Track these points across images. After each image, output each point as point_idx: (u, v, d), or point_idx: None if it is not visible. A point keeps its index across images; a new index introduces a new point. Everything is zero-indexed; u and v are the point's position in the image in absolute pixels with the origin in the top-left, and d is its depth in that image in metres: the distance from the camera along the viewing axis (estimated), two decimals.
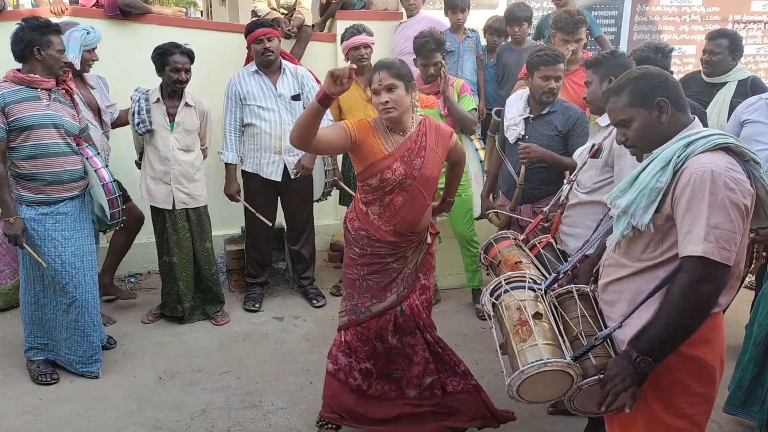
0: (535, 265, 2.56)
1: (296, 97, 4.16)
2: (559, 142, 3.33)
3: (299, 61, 4.68)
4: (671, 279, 1.79)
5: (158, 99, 3.86)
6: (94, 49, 3.94)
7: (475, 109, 4.13)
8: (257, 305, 4.35)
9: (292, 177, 4.19)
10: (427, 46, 3.87)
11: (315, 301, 4.43)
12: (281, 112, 4.14)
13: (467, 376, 2.94)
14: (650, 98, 1.88)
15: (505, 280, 2.23)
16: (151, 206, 4.01)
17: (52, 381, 3.41)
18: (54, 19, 4.28)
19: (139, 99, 3.85)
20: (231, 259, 4.71)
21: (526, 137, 3.38)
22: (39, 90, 3.24)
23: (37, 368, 3.44)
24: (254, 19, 4.85)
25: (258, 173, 4.22)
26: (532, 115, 3.41)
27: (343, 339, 2.85)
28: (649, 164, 1.85)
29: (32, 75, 3.21)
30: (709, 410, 1.96)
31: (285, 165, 4.18)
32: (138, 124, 3.82)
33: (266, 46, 4.05)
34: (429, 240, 2.85)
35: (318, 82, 4.31)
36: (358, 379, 2.85)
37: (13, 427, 3.05)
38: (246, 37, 4.15)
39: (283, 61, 4.21)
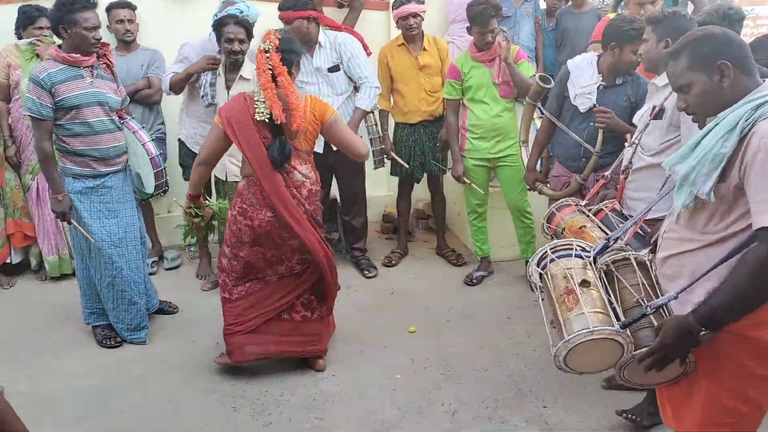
0: (601, 229, 2.49)
1: (333, 69, 4.10)
2: (630, 113, 3.19)
3: (354, 30, 4.61)
4: (738, 253, 1.68)
5: (220, 72, 3.88)
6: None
7: (533, 75, 4.01)
8: None
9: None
10: (486, 12, 3.76)
11: (367, 272, 4.45)
12: (320, 85, 4.11)
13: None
14: (710, 61, 1.75)
15: (551, 248, 2.17)
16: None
17: (116, 344, 3.57)
18: None
19: (206, 72, 3.88)
20: None
21: (598, 106, 3.25)
22: (82, 68, 3.27)
23: (102, 332, 3.60)
24: None
25: None
26: (604, 84, 3.28)
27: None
28: (713, 128, 1.73)
29: (74, 55, 3.22)
30: None
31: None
32: (202, 97, 3.88)
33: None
34: None
35: (365, 47, 4.24)
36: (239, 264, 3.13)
37: (80, 388, 3.21)
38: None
39: (323, 32, 4.09)
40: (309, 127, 2.99)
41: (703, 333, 1.70)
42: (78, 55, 3.22)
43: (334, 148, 4.11)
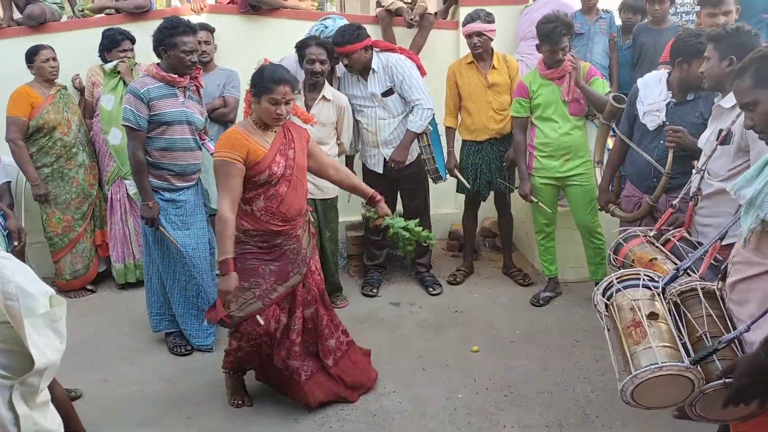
0: (672, 262, 2.39)
1: (387, 93, 4.13)
2: (703, 130, 3.06)
3: (418, 50, 4.65)
4: None
5: (299, 91, 3.93)
6: None
7: (609, 92, 3.92)
8: (375, 290, 4.45)
9: (392, 170, 4.20)
10: (557, 30, 3.72)
11: (431, 289, 4.44)
12: (376, 109, 4.16)
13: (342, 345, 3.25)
14: None
15: (617, 278, 2.09)
16: None
17: (186, 352, 3.70)
18: (194, 17, 4.64)
19: None
20: (351, 245, 4.83)
21: (668, 124, 3.14)
22: (176, 87, 3.49)
23: (173, 340, 3.74)
24: (381, 9, 4.91)
25: (365, 164, 4.33)
26: (674, 101, 3.18)
27: (243, 330, 3.00)
28: None
29: (171, 75, 3.45)
30: None
31: (384, 158, 4.23)
32: None
33: (345, 63, 4.04)
34: (310, 218, 3.17)
35: (420, 67, 4.20)
36: (247, 347, 3.05)
37: (154, 393, 3.34)
38: None
39: (376, 57, 4.10)
40: None
41: None
42: (175, 75, 3.46)
43: (395, 168, 4.16)
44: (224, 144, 2.80)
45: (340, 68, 4.25)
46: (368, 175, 4.37)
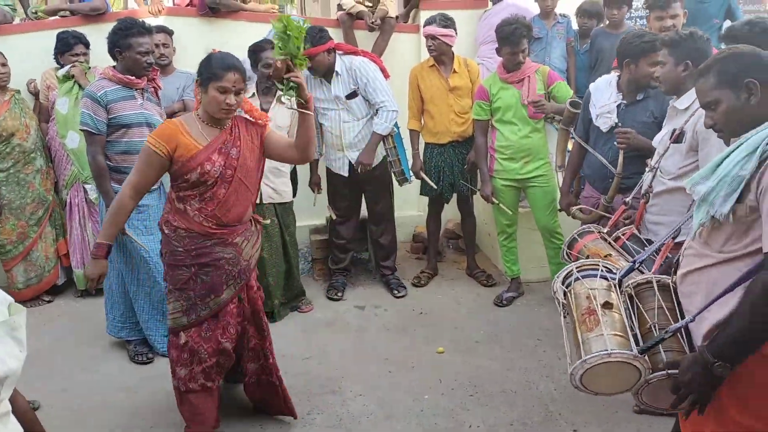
0: (625, 258, 2.46)
1: (351, 95, 4.13)
2: (655, 129, 3.16)
3: (379, 53, 4.67)
4: (752, 275, 1.66)
5: (253, 94, 3.91)
6: None
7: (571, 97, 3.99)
8: (340, 294, 4.44)
9: (358, 173, 4.21)
10: (517, 32, 3.79)
11: (396, 291, 4.45)
12: (340, 112, 4.16)
13: (272, 372, 2.98)
14: (738, 79, 1.75)
15: (576, 268, 2.16)
16: None
17: (147, 360, 3.63)
18: (151, 19, 4.57)
19: None
20: (316, 249, 4.81)
21: (620, 125, 3.23)
22: (134, 89, 3.43)
23: (134, 348, 3.67)
24: (342, 12, 4.91)
25: (330, 168, 4.32)
26: (625, 102, 3.27)
27: (182, 342, 2.74)
28: (733, 150, 1.73)
29: (128, 77, 3.40)
30: None
31: (350, 161, 4.22)
32: None
33: (308, 65, 3.98)
34: (258, 229, 2.88)
35: (383, 70, 4.21)
36: (200, 379, 2.76)
37: (115, 402, 3.27)
38: None
39: (339, 60, 4.11)
40: None
41: (717, 365, 1.68)
42: (132, 77, 3.40)
43: (361, 172, 4.16)
44: (156, 132, 2.63)
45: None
46: (333, 178, 4.37)
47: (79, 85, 4.24)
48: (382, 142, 4.20)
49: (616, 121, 3.26)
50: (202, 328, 2.72)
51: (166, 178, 2.77)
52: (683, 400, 1.75)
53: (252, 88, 3.95)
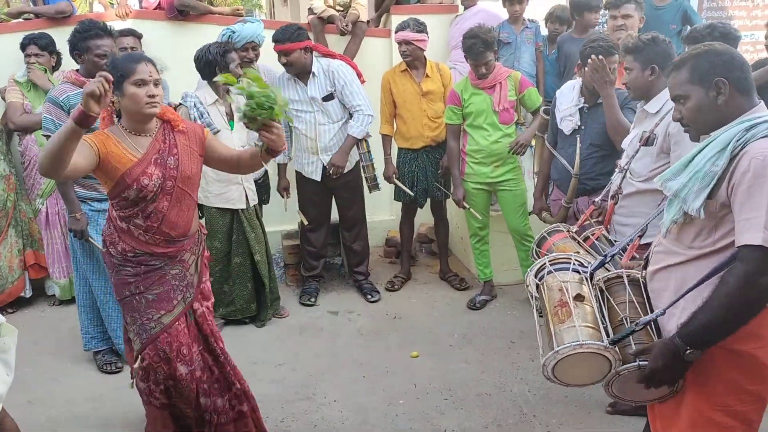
0: (593, 256, 2.49)
1: (328, 98, 4.12)
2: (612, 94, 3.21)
3: (351, 57, 4.67)
4: (723, 268, 1.70)
5: (216, 99, 3.83)
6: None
7: (541, 105, 4.03)
8: (313, 299, 4.41)
9: (330, 176, 4.19)
10: (475, 48, 3.81)
11: (369, 296, 4.44)
12: (315, 114, 4.14)
13: (241, 398, 2.76)
14: (709, 77, 1.78)
15: (549, 261, 2.19)
16: (211, 211, 3.91)
17: (117, 370, 3.55)
18: (118, 23, 4.49)
19: (195, 104, 3.75)
20: (288, 254, 4.77)
21: (582, 128, 3.30)
22: None
23: (103, 357, 3.59)
24: (312, 16, 4.91)
25: (302, 172, 4.28)
26: (587, 105, 3.32)
27: (139, 364, 2.54)
28: (705, 147, 1.76)
29: (91, 79, 3.32)
30: (761, 408, 1.86)
31: (323, 164, 4.20)
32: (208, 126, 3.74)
33: (282, 61, 4.05)
34: (202, 239, 2.68)
35: (359, 75, 4.25)
36: (161, 398, 2.60)
37: (83, 414, 3.19)
38: None
39: (317, 61, 4.12)
40: None
41: (689, 351, 1.72)
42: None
43: (333, 175, 4.14)
44: (92, 135, 2.36)
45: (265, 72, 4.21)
46: (304, 183, 4.34)
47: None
48: (356, 147, 4.19)
49: (579, 123, 3.32)
50: (157, 347, 2.51)
51: None
52: (655, 387, 1.78)
53: (211, 94, 3.83)
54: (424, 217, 5.08)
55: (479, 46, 3.80)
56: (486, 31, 3.85)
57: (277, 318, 4.18)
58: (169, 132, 2.49)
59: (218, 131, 3.77)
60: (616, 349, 1.87)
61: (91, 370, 3.59)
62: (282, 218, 4.89)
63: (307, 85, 4.11)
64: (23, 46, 4.26)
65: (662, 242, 1.94)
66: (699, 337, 1.71)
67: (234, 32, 4.06)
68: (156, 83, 2.38)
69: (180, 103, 3.76)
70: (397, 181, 4.46)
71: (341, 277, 4.81)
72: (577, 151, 3.29)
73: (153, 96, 2.35)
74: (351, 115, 4.18)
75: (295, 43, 3.98)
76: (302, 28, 4.10)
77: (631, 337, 1.87)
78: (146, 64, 2.36)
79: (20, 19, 4.71)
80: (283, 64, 4.06)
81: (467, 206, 4.15)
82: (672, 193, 1.81)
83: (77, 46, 3.29)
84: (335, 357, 3.69)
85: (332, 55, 4.27)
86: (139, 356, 2.54)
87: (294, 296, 4.51)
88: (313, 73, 4.10)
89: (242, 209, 3.93)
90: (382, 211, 5.36)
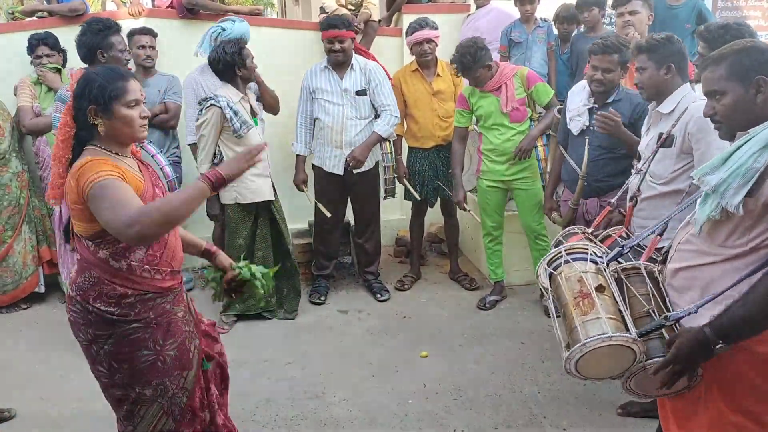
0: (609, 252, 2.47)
1: (361, 92, 4.18)
2: (628, 130, 3.19)
3: (374, 56, 4.69)
4: (760, 269, 1.67)
5: (242, 97, 3.86)
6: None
7: (554, 94, 4.01)
8: (323, 298, 4.41)
9: (353, 171, 4.20)
10: (464, 62, 3.83)
11: (379, 295, 4.44)
12: (345, 107, 4.16)
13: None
14: (750, 74, 1.75)
15: (565, 250, 2.14)
16: (236, 210, 3.94)
17: None
18: (131, 21, 4.52)
19: (228, 104, 3.74)
20: (298, 253, 4.77)
21: (592, 128, 3.28)
22: None
23: None
24: (324, 15, 4.92)
25: (321, 167, 4.27)
26: (596, 106, 3.30)
27: None
28: (745, 143, 1.71)
29: None
30: None
31: (346, 159, 4.21)
32: (241, 126, 3.76)
33: (335, 48, 4.10)
34: None
35: (388, 76, 4.31)
36: None
37: (95, 411, 3.17)
38: (321, 31, 4.21)
39: (355, 56, 4.22)
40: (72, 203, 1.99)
41: (719, 346, 1.69)
42: None
43: (353, 168, 4.15)
44: (93, 167, 1.90)
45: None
46: (322, 179, 4.34)
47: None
48: (378, 146, 4.23)
49: (587, 124, 3.30)
50: (184, 417, 2.15)
51: None
52: (677, 375, 1.75)
53: (235, 92, 3.86)
54: (434, 217, 5.07)
55: (466, 63, 3.82)
56: (477, 43, 3.84)
57: (281, 319, 4.17)
58: (137, 151, 2.21)
59: (252, 127, 3.85)
60: (642, 341, 1.84)
61: None
62: (292, 217, 4.89)
63: (342, 78, 4.16)
64: (32, 47, 4.29)
65: (690, 240, 1.89)
66: (733, 331, 1.68)
67: (224, 30, 4.12)
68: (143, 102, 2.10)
69: (211, 104, 3.77)
70: (406, 183, 4.46)
71: (351, 276, 4.82)
72: (586, 152, 3.26)
73: (146, 116, 2.09)
74: (377, 116, 4.23)
75: (350, 32, 4.12)
76: (353, 18, 4.28)
77: (662, 330, 1.84)
78: (134, 81, 2.06)
79: (34, 18, 4.75)
80: (334, 51, 4.10)
81: (467, 208, 4.18)
82: (710, 188, 1.76)
83: (100, 45, 3.31)
84: (344, 356, 3.69)
85: (367, 55, 4.39)
86: None
87: (303, 294, 4.50)
88: (352, 66, 4.16)
89: (272, 201, 4.02)
90: (392, 210, 5.35)
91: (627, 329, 1.85)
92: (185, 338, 2.15)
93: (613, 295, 1.97)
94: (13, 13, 4.87)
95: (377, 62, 4.42)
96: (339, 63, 4.15)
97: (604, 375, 1.96)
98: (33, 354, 3.77)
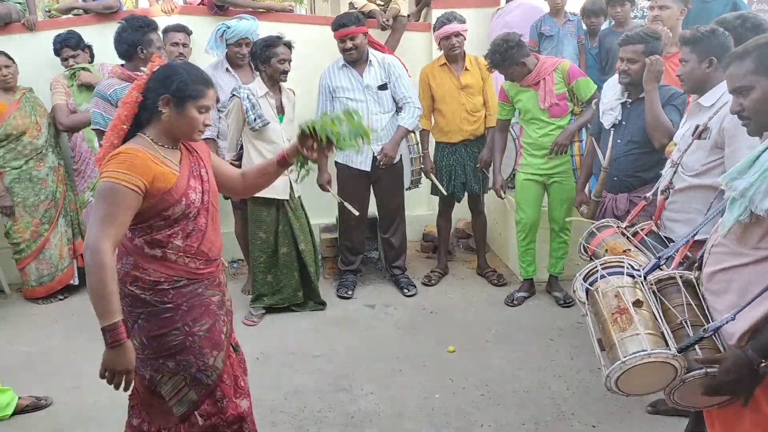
0: (644, 254, 2.44)
1: (383, 87, 4.19)
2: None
3: (392, 51, 4.70)
4: None
5: (267, 92, 3.92)
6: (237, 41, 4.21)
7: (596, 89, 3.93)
8: (350, 292, 4.43)
9: (380, 166, 4.21)
10: (494, 60, 3.84)
11: (406, 290, 4.44)
12: (368, 103, 4.18)
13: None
14: None
15: (600, 265, 2.11)
16: (257, 203, 3.97)
17: None
18: (164, 18, 4.59)
19: (247, 96, 3.84)
20: (326, 247, 4.82)
21: (623, 122, 3.24)
22: None
23: None
24: (339, 14, 4.94)
25: (348, 164, 4.29)
26: (629, 100, 3.26)
27: (199, 427, 2.20)
28: None
29: (138, 73, 3.41)
30: None
31: (374, 154, 4.22)
32: (255, 119, 3.83)
33: (347, 46, 4.10)
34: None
35: (406, 70, 4.31)
36: None
37: (125, 400, 3.25)
38: (333, 31, 4.21)
39: (371, 51, 4.23)
40: None
41: (763, 364, 1.65)
42: (141, 74, 3.39)
43: (383, 165, 4.16)
44: (119, 164, 1.96)
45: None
46: (346, 176, 4.35)
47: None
48: (404, 139, 4.26)
49: (619, 118, 3.26)
50: (215, 397, 2.21)
51: None
52: (724, 396, 1.71)
53: (261, 86, 3.93)
54: (461, 212, 5.06)
55: (497, 61, 3.83)
56: (503, 43, 3.80)
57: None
58: (189, 143, 2.25)
59: (268, 123, 3.87)
60: (682, 355, 1.80)
61: None
62: (319, 211, 4.93)
63: (362, 75, 4.17)
64: (56, 51, 4.41)
65: (723, 242, 1.85)
66: None
67: (229, 27, 4.18)
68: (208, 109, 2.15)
69: (233, 95, 3.90)
70: (433, 177, 4.46)
71: (378, 271, 4.83)
72: (609, 144, 3.23)
73: (207, 125, 2.15)
74: (398, 109, 4.24)
75: (360, 27, 4.12)
76: (363, 13, 4.23)
77: (698, 344, 1.80)
78: (212, 88, 2.14)
79: (70, 15, 4.85)
80: (348, 50, 4.11)
81: (504, 195, 4.18)
82: (738, 193, 1.72)
83: (140, 41, 3.37)
84: (371, 350, 3.71)
85: (382, 48, 4.37)
86: (198, 416, 2.19)
87: (331, 288, 4.54)
88: (369, 62, 4.18)
89: (287, 200, 4.02)
90: (419, 205, 5.35)
91: (667, 344, 1.82)
92: (216, 320, 2.21)
93: (651, 309, 1.93)
94: (49, 11, 4.99)
95: (393, 55, 4.42)
96: (355, 60, 4.16)
97: (646, 390, 1.93)
98: (68, 344, 3.87)
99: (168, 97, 2.05)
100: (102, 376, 2.01)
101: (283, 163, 2.28)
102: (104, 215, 1.94)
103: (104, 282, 1.92)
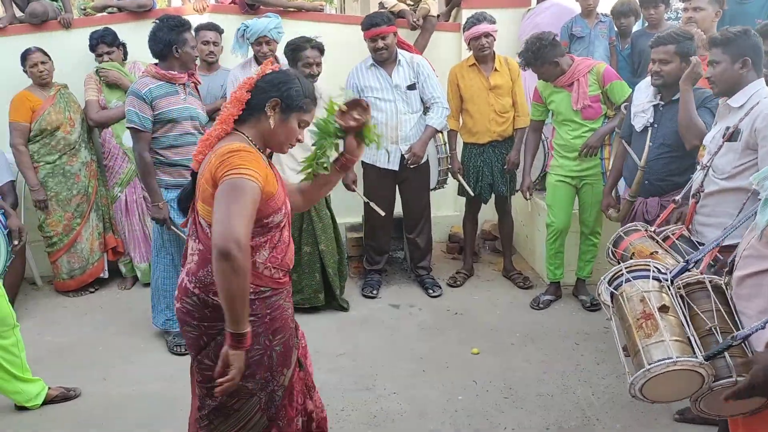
0: (672, 256, 2.40)
1: (411, 87, 4.19)
2: None
3: (420, 51, 4.69)
4: None
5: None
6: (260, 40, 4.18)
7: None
8: (375, 292, 4.44)
9: (408, 165, 4.20)
10: (527, 59, 3.84)
11: (431, 291, 4.43)
12: (397, 102, 4.17)
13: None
14: None
15: (626, 268, 2.05)
16: None
17: (185, 352, 3.67)
18: (196, 17, 4.64)
19: None
20: (351, 246, 4.83)
21: (655, 125, 3.19)
22: (177, 85, 3.50)
23: (173, 339, 3.72)
24: (370, 14, 4.94)
25: (375, 164, 4.29)
26: (662, 102, 3.20)
27: None
28: None
29: (172, 72, 3.48)
30: None
31: (402, 154, 4.21)
32: None
33: (378, 46, 4.10)
34: None
35: (433, 70, 4.31)
36: None
37: (153, 392, 3.32)
38: (363, 31, 4.21)
39: (399, 52, 4.23)
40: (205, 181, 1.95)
41: None
42: (175, 73, 3.48)
43: (412, 164, 4.15)
44: (249, 162, 1.88)
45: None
46: (371, 176, 4.36)
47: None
48: (432, 139, 4.25)
49: (651, 120, 3.21)
50: (279, 417, 2.10)
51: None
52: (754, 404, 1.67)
53: None
54: (488, 214, 5.02)
55: (530, 59, 3.82)
56: (536, 42, 3.79)
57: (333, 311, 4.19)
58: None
59: None
60: (709, 363, 1.76)
61: (162, 351, 3.74)
62: (346, 210, 4.94)
63: (390, 75, 4.18)
64: (92, 47, 4.49)
65: (754, 246, 1.80)
66: None
67: (247, 27, 4.18)
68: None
69: None
70: (460, 178, 4.44)
71: (403, 271, 4.83)
72: (647, 143, 3.18)
73: (300, 141, 2.10)
74: (426, 109, 4.25)
75: (391, 27, 4.12)
76: (392, 13, 4.27)
77: (726, 351, 1.75)
78: (315, 107, 2.10)
79: (104, 13, 4.94)
80: (378, 49, 4.11)
81: (530, 196, 4.20)
82: None
83: (176, 40, 3.43)
84: (395, 350, 3.71)
85: (410, 48, 4.39)
86: None
87: (356, 288, 4.55)
88: (399, 62, 4.18)
89: None
90: (445, 206, 5.33)
91: (693, 351, 1.77)
92: (290, 335, 2.13)
93: (678, 314, 1.88)
94: (84, 9, 5.09)
95: (420, 55, 4.42)
96: (385, 59, 4.16)
97: (671, 398, 1.89)
98: (97, 337, 3.94)
99: (277, 101, 1.99)
100: (222, 375, 1.87)
101: (343, 167, 2.21)
102: (247, 213, 1.82)
103: (247, 286, 1.81)
